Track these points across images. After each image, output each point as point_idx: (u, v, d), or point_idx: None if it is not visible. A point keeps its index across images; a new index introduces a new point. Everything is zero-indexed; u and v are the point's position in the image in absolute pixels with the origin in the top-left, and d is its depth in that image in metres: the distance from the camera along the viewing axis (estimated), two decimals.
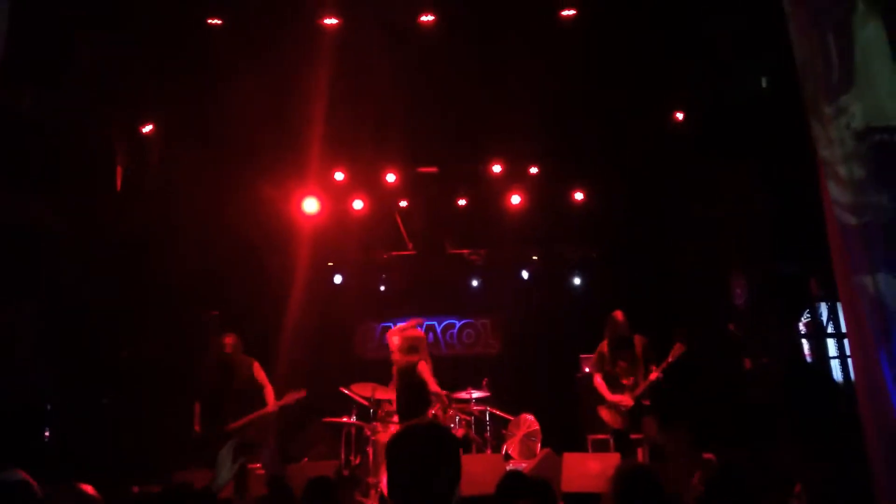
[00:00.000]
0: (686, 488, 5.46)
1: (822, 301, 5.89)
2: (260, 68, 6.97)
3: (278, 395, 6.35)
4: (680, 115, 7.80)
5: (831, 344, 5.93)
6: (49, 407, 6.76)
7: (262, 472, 6.89)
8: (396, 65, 7.16)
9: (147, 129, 7.33)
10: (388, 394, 7.19)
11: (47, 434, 6.63)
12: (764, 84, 6.33)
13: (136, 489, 4.97)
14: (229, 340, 6.49)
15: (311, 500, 3.34)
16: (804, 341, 6.40)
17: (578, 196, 9.29)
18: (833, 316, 5.72)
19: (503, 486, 3.32)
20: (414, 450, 1.83)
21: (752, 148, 7.16)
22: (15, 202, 5.86)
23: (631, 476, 2.61)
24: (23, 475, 3.59)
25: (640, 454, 6.65)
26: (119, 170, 6.90)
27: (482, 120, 7.93)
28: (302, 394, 6.31)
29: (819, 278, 5.99)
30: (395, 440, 1.90)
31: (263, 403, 6.32)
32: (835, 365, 5.87)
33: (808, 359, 6.30)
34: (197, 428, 6.06)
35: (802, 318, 6.49)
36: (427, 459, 1.80)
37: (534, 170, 9.08)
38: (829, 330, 5.83)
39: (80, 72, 5.94)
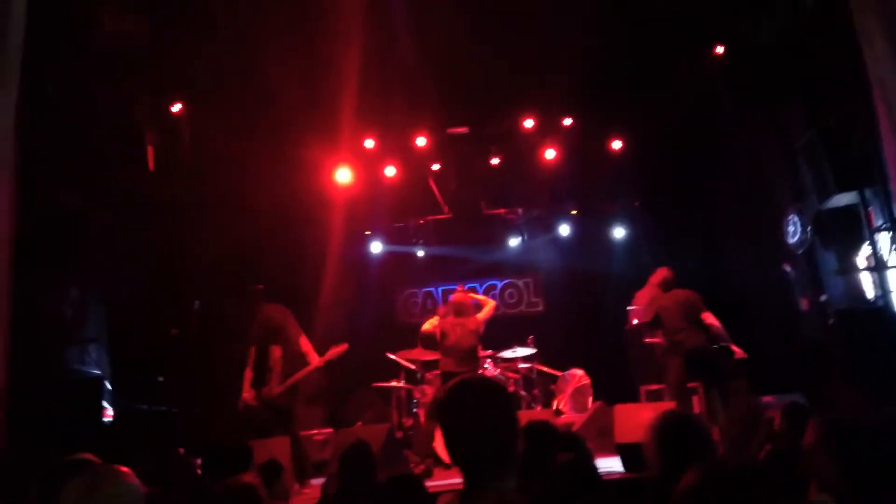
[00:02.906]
0: (743, 432, 5.33)
1: (883, 231, 5.58)
2: (285, 36, 6.87)
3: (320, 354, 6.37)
4: (720, 49, 7.41)
5: (894, 276, 5.63)
6: (109, 387, 6.98)
7: (319, 437, 7.01)
8: (420, 23, 6.96)
9: (176, 108, 7.35)
10: (433, 356, 7.20)
11: (111, 414, 6.86)
12: (809, 4, 5.93)
13: (181, 450, 5.08)
14: (275, 310, 6.53)
15: (348, 468, 3.35)
16: (864, 275, 6.10)
17: (616, 145, 9.01)
18: (895, 246, 5.42)
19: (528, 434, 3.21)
20: (471, 405, 1.68)
21: (795, 78, 6.78)
22: (50, 190, 5.96)
23: (674, 424, 2.48)
24: (90, 458, 3.68)
25: (696, 402, 6.52)
26: (150, 149, 6.95)
27: (511, 74, 7.70)
28: (344, 347, 6.30)
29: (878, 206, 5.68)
30: (448, 397, 1.72)
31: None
32: None
33: (870, 294, 6.01)
34: (245, 395, 6.14)
35: (861, 252, 6.17)
36: (486, 415, 1.65)
37: (567, 121, 8.82)
38: (892, 262, 5.53)
39: (102, 52, 5.94)
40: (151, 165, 6.97)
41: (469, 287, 9.11)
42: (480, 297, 7.40)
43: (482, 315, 6.73)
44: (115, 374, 6.79)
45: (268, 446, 5.36)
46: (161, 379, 6.78)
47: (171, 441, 6.08)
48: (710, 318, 6.06)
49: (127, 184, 6.84)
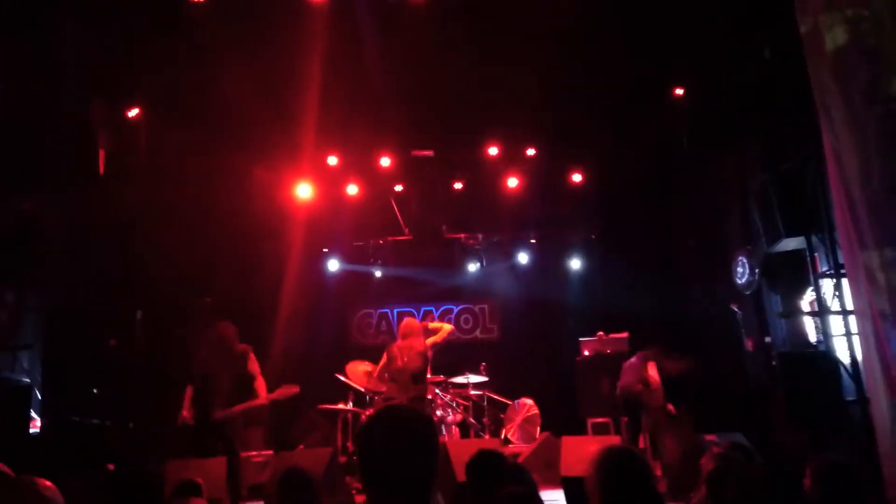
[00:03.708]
0: (685, 469, 5.35)
1: (827, 277, 5.72)
2: (249, 49, 6.80)
3: (271, 388, 6.15)
4: (679, 91, 7.60)
5: (836, 321, 5.77)
6: (40, 397, 6.65)
7: (258, 459, 6.78)
8: (389, 45, 6.97)
9: (133, 113, 7.15)
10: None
11: (39, 425, 6.53)
12: (767, 55, 6.12)
13: (111, 466, 4.85)
14: (224, 327, 6.31)
15: (285, 494, 3.21)
16: (807, 319, 6.25)
17: (576, 177, 9.14)
18: (838, 292, 5.56)
19: (477, 465, 3.16)
20: (385, 433, 1.70)
21: (752, 122, 6.98)
22: None
23: (615, 459, 2.44)
24: (3, 469, 3.46)
25: (641, 439, 6.54)
26: (102, 153, 6.71)
27: (478, 101, 7.76)
28: (295, 389, 6.09)
29: (823, 254, 5.84)
30: (367, 425, 1.77)
31: (254, 394, 6.14)
32: (840, 343, 5.72)
33: (812, 338, 6.15)
34: (185, 413, 5.89)
35: (806, 296, 6.33)
36: (399, 443, 1.66)
37: (531, 151, 8.92)
38: (834, 307, 5.67)
39: (55, 54, 5.75)
40: (102, 169, 6.74)
41: (425, 310, 9.06)
42: (435, 324, 7.19)
43: (432, 339, 6.60)
44: (47, 383, 6.47)
45: (204, 467, 5.17)
46: (95, 391, 6.47)
47: (101, 456, 5.80)
48: (650, 370, 6.19)
49: (74, 187, 6.58)
